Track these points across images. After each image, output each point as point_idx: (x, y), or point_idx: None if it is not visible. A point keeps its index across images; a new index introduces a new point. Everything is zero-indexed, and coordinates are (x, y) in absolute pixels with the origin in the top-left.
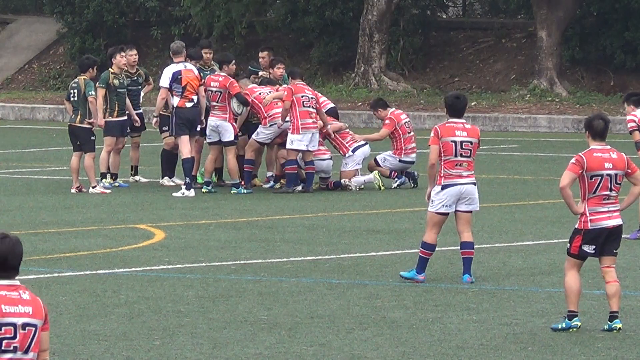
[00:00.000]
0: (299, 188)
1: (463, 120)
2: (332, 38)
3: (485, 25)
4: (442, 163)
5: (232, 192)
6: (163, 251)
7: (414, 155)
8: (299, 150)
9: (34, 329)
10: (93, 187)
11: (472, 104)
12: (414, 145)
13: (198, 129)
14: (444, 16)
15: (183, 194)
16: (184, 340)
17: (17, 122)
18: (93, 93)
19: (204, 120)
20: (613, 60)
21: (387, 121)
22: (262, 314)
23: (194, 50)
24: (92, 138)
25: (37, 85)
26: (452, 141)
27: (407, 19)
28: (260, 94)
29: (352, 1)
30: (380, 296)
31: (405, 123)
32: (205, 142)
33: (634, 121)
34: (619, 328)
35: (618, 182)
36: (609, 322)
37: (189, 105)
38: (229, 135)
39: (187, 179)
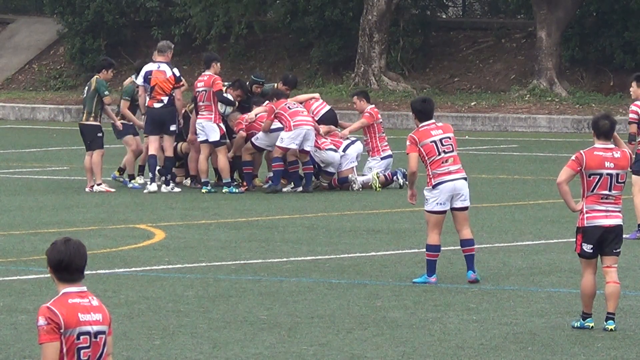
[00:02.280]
0: (288, 188)
1: (433, 121)
2: (332, 38)
3: (485, 25)
4: (429, 166)
5: (223, 191)
6: (163, 251)
7: (389, 150)
8: (287, 149)
9: (104, 336)
10: (98, 185)
11: (472, 104)
12: (386, 143)
13: (173, 128)
14: (444, 16)
15: (147, 190)
16: (184, 340)
17: (17, 122)
18: (107, 93)
19: (181, 121)
20: (613, 60)
21: (366, 114)
22: (262, 314)
23: (239, 83)
24: (99, 135)
25: (37, 85)
26: (431, 142)
27: (407, 19)
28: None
29: (352, 1)
30: (380, 296)
31: (380, 122)
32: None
33: (637, 113)
34: (611, 329)
35: (619, 181)
36: (605, 322)
37: (157, 105)
38: (214, 135)
39: (150, 175)
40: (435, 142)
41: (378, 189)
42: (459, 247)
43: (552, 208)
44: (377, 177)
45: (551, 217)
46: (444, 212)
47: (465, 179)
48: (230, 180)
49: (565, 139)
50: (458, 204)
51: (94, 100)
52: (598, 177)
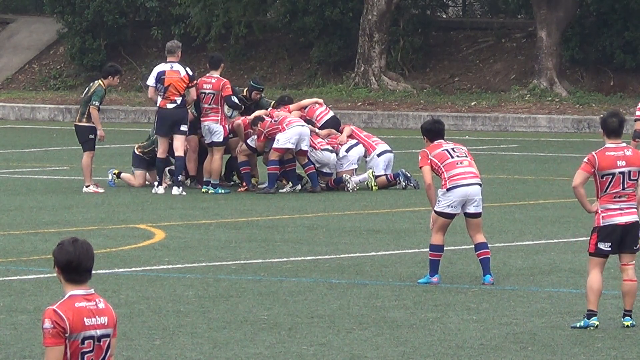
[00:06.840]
0: (288, 188)
1: (444, 140)
2: (332, 38)
3: (485, 25)
4: (444, 170)
5: (209, 191)
6: (163, 251)
7: (382, 145)
8: (284, 149)
9: (108, 339)
10: (87, 187)
11: (472, 104)
12: (376, 139)
13: (184, 128)
14: (444, 16)
15: (155, 192)
16: (184, 340)
17: (17, 122)
18: (96, 103)
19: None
20: (613, 60)
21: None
22: (262, 314)
23: (240, 96)
24: (91, 137)
25: (37, 85)
26: (442, 150)
27: (407, 19)
28: (247, 118)
29: (352, 1)
30: (380, 296)
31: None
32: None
33: None
34: (627, 325)
35: (632, 178)
36: (622, 319)
37: (170, 106)
38: (216, 136)
39: (157, 178)
40: (447, 149)
41: (374, 188)
42: (460, 248)
43: (552, 208)
44: (373, 176)
45: (551, 217)
46: (453, 215)
47: (480, 184)
48: (218, 182)
49: (565, 139)
50: (471, 210)
51: (88, 105)
52: (611, 177)
